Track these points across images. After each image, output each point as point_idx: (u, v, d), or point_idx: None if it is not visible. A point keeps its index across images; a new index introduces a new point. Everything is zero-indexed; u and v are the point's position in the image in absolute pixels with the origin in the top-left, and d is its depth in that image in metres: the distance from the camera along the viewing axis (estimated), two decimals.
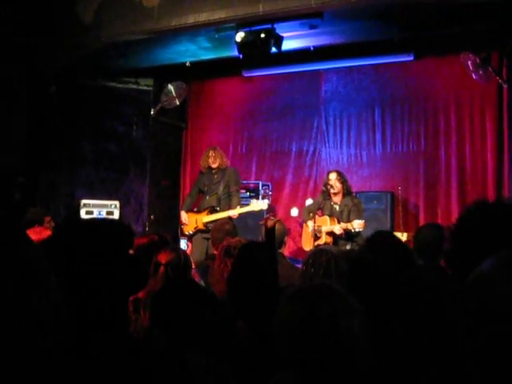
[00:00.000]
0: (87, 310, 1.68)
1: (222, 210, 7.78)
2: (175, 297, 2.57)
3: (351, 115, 10.14)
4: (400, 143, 9.74)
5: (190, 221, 7.92)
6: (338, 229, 7.53)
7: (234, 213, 7.58)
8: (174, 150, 11.10)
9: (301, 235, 8.41)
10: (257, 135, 10.84)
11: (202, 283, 4.19)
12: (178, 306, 2.52)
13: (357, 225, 7.29)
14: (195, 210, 8.08)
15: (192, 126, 11.40)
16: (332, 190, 7.82)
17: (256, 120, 10.84)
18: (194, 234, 7.91)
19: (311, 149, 10.50)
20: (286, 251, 6.17)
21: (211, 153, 8.05)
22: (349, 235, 7.58)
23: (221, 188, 7.91)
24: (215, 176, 8.00)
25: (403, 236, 8.28)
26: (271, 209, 9.31)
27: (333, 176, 7.90)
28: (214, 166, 7.98)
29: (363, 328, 1.82)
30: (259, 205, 7.57)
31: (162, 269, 3.67)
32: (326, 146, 10.36)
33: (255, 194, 9.85)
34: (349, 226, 7.43)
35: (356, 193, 8.63)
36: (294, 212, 9.05)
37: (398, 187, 9.08)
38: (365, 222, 7.37)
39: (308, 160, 10.50)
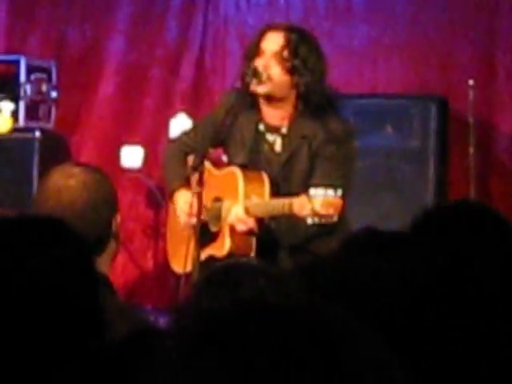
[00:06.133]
0: None
1: None
2: None
3: None
4: None
5: None
6: (241, 217, 3.65)
7: None
8: None
9: (155, 230, 5.31)
10: None
11: None
12: None
13: (319, 205, 3.31)
14: None
15: None
16: (260, 88, 3.63)
17: None
18: None
19: None
20: (114, 274, 2.94)
21: None
22: (289, 231, 3.71)
23: None
24: None
25: None
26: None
27: (272, 43, 3.67)
28: None
29: None
30: None
31: None
32: None
33: None
34: (295, 204, 3.46)
35: (334, 95, 3.94)
36: (132, 158, 5.25)
37: (468, 81, 4.87)
38: (343, 198, 3.37)
39: None
